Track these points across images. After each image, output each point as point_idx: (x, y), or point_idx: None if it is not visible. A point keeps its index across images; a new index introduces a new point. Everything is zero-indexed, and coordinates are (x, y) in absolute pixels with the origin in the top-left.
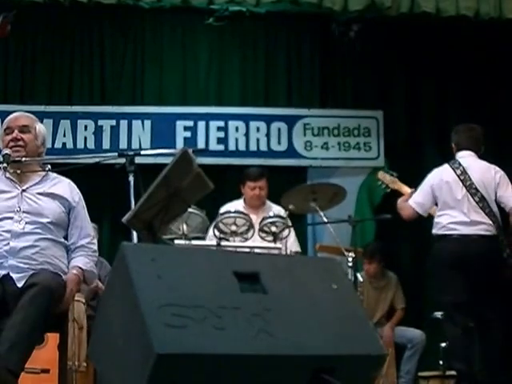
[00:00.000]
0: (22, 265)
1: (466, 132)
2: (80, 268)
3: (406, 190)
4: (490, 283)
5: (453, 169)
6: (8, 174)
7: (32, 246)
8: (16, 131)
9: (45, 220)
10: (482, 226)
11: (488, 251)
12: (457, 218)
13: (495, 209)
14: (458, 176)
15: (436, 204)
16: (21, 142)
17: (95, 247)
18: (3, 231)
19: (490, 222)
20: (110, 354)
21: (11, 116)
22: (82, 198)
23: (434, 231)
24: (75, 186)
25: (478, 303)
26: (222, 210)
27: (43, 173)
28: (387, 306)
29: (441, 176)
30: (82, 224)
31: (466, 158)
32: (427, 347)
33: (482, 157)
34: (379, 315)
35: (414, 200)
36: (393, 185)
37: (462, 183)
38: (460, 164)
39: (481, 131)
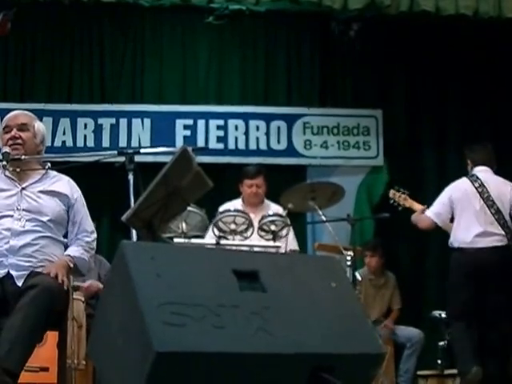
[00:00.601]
0: (22, 263)
1: (481, 149)
2: (69, 255)
3: (417, 206)
4: (503, 290)
5: (471, 181)
6: (7, 173)
7: (32, 244)
8: (15, 129)
9: (44, 218)
10: (497, 237)
11: (501, 260)
12: (473, 229)
13: (509, 221)
14: (476, 188)
15: (452, 217)
16: (19, 141)
17: (90, 239)
18: (3, 229)
19: (504, 233)
20: (110, 352)
21: (10, 114)
22: (81, 195)
23: (452, 243)
24: (75, 184)
25: (491, 310)
26: (221, 209)
27: (43, 171)
28: (385, 304)
29: (459, 188)
30: (81, 220)
31: (483, 172)
32: (426, 346)
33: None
34: (377, 313)
35: (432, 211)
36: (404, 202)
37: (480, 195)
38: (478, 178)
39: (491, 148)
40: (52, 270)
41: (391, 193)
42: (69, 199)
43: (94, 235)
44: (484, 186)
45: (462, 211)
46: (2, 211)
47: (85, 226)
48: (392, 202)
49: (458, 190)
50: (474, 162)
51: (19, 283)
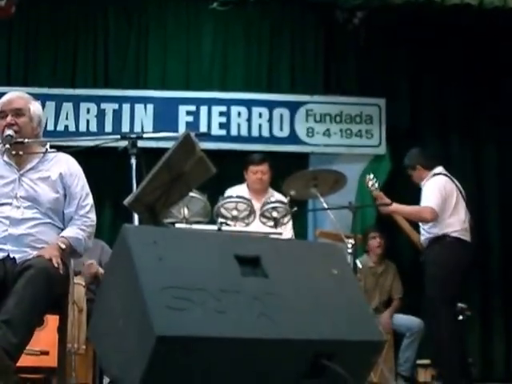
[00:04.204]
0: (21, 248)
1: (424, 152)
2: (62, 236)
3: (387, 201)
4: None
5: (450, 180)
6: (5, 157)
7: (30, 234)
8: (10, 116)
9: (42, 206)
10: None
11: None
12: (465, 223)
13: None
14: (457, 186)
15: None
16: (15, 127)
17: (86, 218)
18: (2, 217)
19: None
20: (111, 335)
21: (5, 98)
22: (81, 173)
23: (446, 231)
24: (75, 162)
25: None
26: (226, 194)
27: (41, 154)
28: (385, 293)
29: (449, 183)
30: (79, 200)
31: (445, 172)
32: (425, 335)
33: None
34: (377, 302)
35: (435, 203)
36: (375, 192)
37: (460, 193)
38: (451, 176)
39: None
40: (45, 253)
41: (367, 178)
42: (66, 180)
43: (92, 215)
44: (457, 184)
45: (456, 204)
46: (0, 199)
47: (82, 204)
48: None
49: (448, 185)
50: (428, 164)
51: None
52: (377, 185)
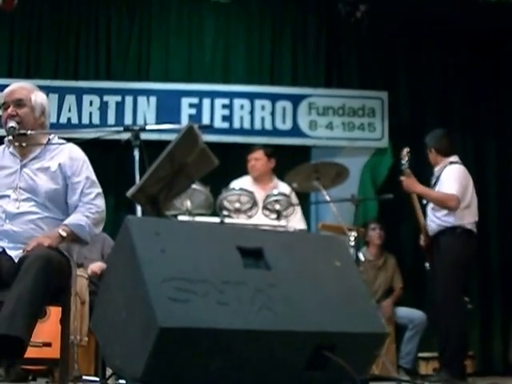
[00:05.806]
0: (17, 245)
1: (447, 137)
2: (64, 224)
3: (415, 185)
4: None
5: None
6: (11, 148)
7: (25, 231)
8: (11, 107)
9: (40, 198)
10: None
11: None
12: (474, 215)
13: None
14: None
15: None
16: (17, 118)
17: (91, 205)
18: None
19: None
20: (113, 326)
21: (7, 89)
22: (85, 162)
23: (461, 222)
24: (78, 151)
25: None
26: (231, 186)
27: (44, 144)
28: (386, 285)
29: (467, 174)
30: (83, 187)
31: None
32: (428, 328)
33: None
34: (378, 295)
35: (459, 192)
36: (406, 168)
37: (473, 186)
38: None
39: None
40: (43, 241)
41: (405, 150)
42: (65, 170)
43: (98, 201)
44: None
45: (471, 197)
46: (1, 190)
47: (85, 192)
48: (403, 158)
49: (467, 175)
50: (447, 150)
51: (16, 260)
52: (407, 162)
